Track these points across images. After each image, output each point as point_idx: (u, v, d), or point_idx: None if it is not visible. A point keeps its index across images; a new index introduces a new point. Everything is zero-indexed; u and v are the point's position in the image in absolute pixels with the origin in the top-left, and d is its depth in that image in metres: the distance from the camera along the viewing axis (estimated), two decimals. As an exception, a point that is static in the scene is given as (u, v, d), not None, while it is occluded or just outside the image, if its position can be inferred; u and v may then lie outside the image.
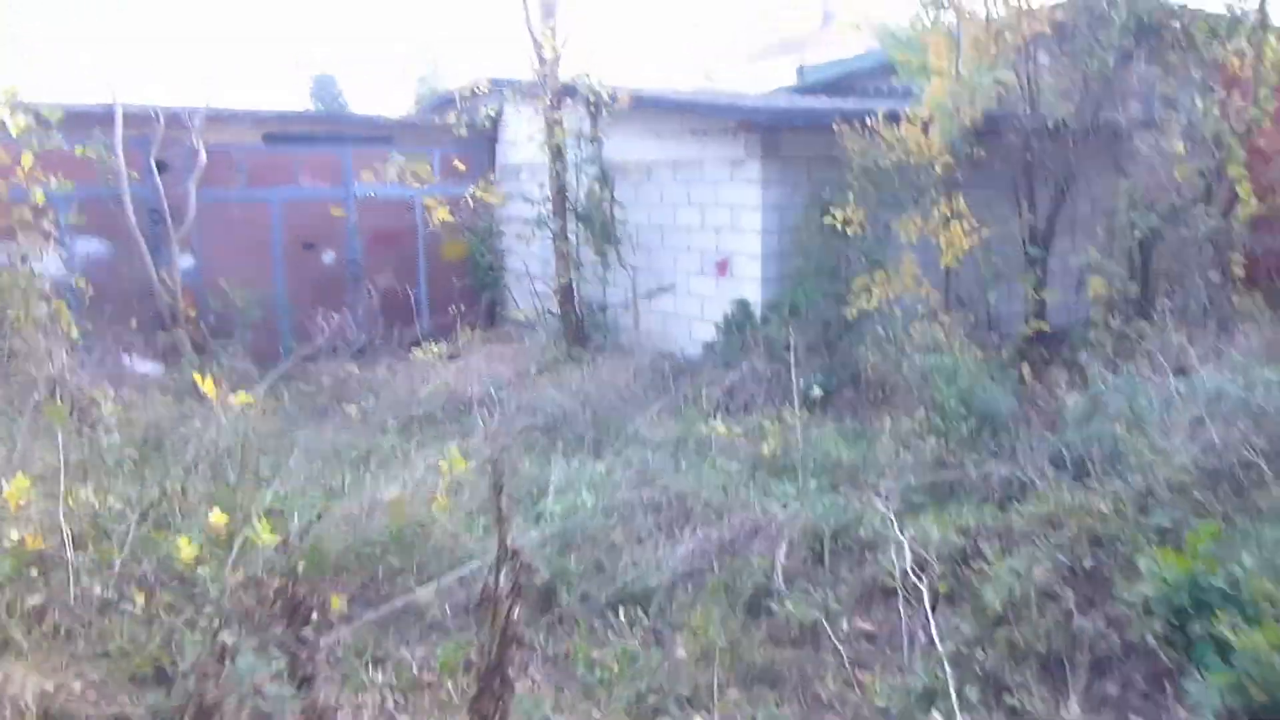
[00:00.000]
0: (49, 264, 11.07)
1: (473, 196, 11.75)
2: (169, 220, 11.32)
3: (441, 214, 11.34)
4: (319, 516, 5.65)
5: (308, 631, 3.18)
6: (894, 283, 9.62)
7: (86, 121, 10.88)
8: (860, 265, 10.11)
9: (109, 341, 10.94)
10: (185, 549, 5.35)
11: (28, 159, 5.41)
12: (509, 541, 2.66)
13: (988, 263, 9.97)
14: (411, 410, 8.73)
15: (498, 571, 2.65)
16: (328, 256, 12.85)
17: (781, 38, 33.48)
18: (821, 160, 10.24)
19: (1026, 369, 8.98)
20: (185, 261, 11.73)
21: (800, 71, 16.60)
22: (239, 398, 6.74)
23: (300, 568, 5.55)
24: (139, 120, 11.09)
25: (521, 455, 7.55)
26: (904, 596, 5.00)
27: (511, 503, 2.95)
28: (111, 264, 11.36)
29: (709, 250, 11.00)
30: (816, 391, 8.19)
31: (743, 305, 10.44)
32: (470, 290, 13.39)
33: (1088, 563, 4.90)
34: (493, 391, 8.99)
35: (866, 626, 5.16)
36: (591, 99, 11.19)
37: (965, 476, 6.67)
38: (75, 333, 6.33)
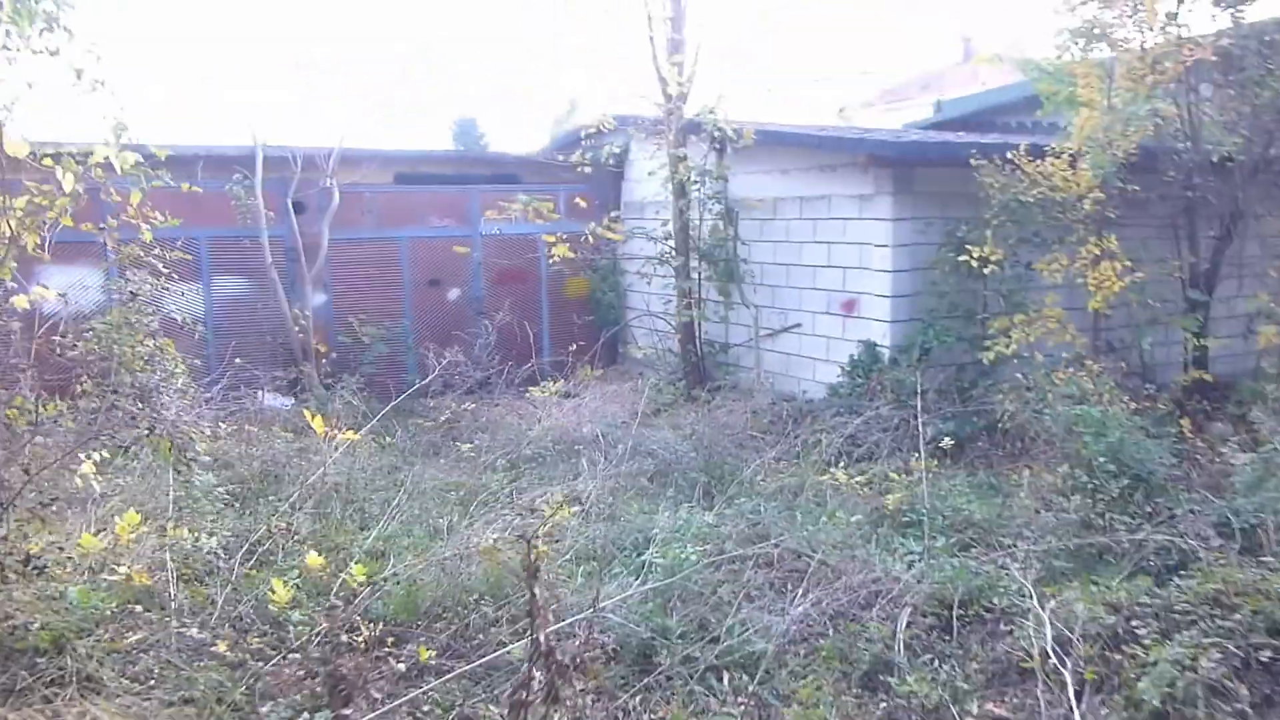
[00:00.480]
0: (189, 301, 11.51)
1: (592, 233, 11.59)
2: (303, 259, 11.53)
3: (560, 250, 11.21)
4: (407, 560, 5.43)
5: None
6: (1035, 326, 8.92)
7: (228, 164, 11.22)
8: (998, 307, 9.44)
9: (245, 377, 11.26)
10: (280, 591, 5.19)
11: (136, 196, 5.38)
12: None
13: (1142, 306, 9.14)
14: (522, 449, 8.49)
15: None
16: (453, 294, 12.89)
17: (919, 74, 32.63)
18: (957, 197, 9.65)
19: (1186, 423, 8.13)
20: (318, 299, 11.93)
21: (937, 106, 15.95)
22: (346, 434, 6.64)
23: (391, 611, 5.34)
24: (277, 163, 11.37)
25: (628, 501, 7.20)
26: (1043, 680, 4.40)
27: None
28: (249, 301, 11.64)
29: (835, 289, 10.49)
30: (947, 441, 7.57)
31: (869, 347, 9.88)
32: (592, 328, 13.21)
33: (1265, 655, 4.19)
34: (602, 433, 8.68)
35: (999, 712, 4.56)
36: (715, 135, 10.90)
37: (1115, 543, 5.97)
38: (181, 369, 6.32)
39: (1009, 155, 9.04)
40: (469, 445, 9.02)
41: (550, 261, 12.22)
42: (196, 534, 5.53)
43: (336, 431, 6.49)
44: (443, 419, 10.01)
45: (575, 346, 12.42)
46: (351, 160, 11.85)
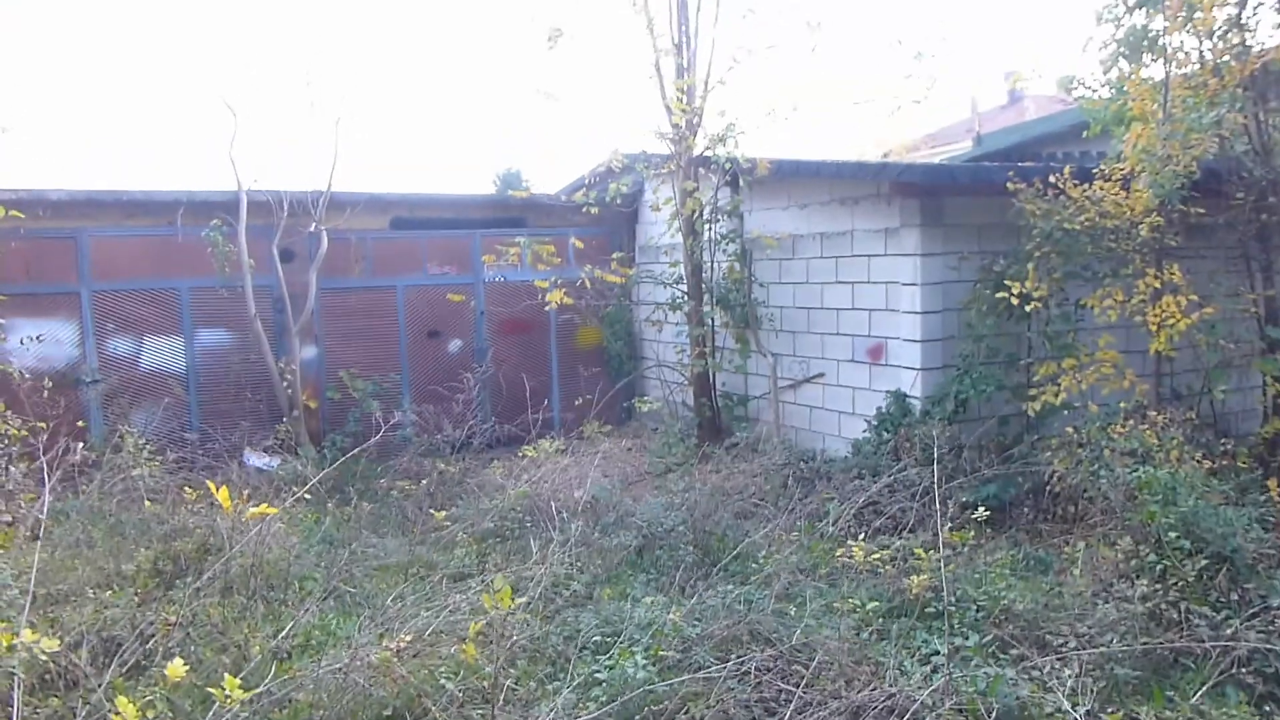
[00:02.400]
0: (168, 355, 10.64)
1: (589, 278, 10.51)
2: (290, 310, 10.61)
3: (556, 297, 10.11)
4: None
5: None
6: (1088, 372, 7.58)
7: (210, 209, 10.39)
8: (1044, 351, 8.12)
9: (228, 435, 10.33)
10: (125, 709, 4.05)
11: None
12: None
13: (1212, 347, 7.75)
14: (491, 519, 7.32)
15: None
16: (454, 345, 11.88)
17: (964, 118, 31.37)
18: (993, 228, 8.41)
19: (1274, 486, 6.70)
20: (307, 351, 10.99)
21: (977, 139, 14.72)
22: (259, 509, 5.54)
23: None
24: (263, 208, 10.51)
25: (604, 582, 6.00)
26: None
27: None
28: (233, 355, 10.73)
29: (861, 334, 9.24)
30: (982, 510, 6.25)
31: (899, 398, 8.60)
32: (603, 379, 12.08)
33: None
34: (593, 498, 7.50)
35: None
36: (728, 167, 9.80)
37: (1195, 644, 4.61)
38: (15, 434, 5.29)
39: (1052, 179, 7.80)
40: (444, 513, 7.89)
41: (558, 310, 11.14)
42: (37, 635, 4.44)
43: (248, 505, 5.39)
44: (426, 482, 8.90)
45: (585, 400, 11.29)
46: (343, 204, 10.93)
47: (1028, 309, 7.70)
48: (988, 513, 6.34)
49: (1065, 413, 7.75)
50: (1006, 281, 7.80)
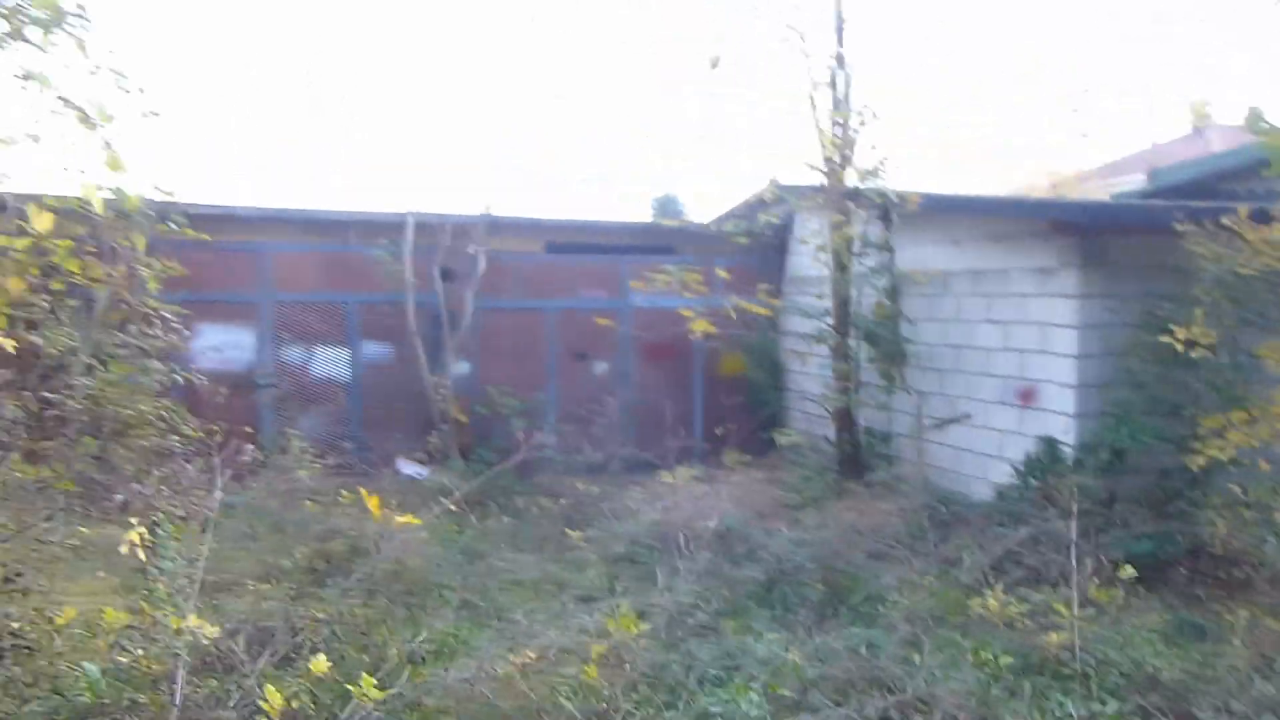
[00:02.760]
0: (335, 365, 11.30)
1: (735, 308, 10.53)
2: (447, 326, 11.11)
3: (701, 325, 10.20)
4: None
5: None
6: (1260, 426, 7.05)
7: (380, 230, 11.01)
8: (1211, 402, 7.62)
9: (381, 442, 10.89)
10: (273, 697, 4.35)
11: (140, 241, 4.81)
12: None
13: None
14: (625, 543, 7.43)
15: None
16: (599, 367, 12.13)
17: (1142, 149, 29.82)
18: (1160, 269, 7.98)
19: None
20: (460, 367, 11.46)
21: (1151, 174, 13.94)
22: (407, 518, 5.83)
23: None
24: (428, 229, 11.08)
25: (728, 615, 6.00)
26: None
27: None
28: (392, 367, 11.31)
29: (1012, 376, 8.92)
30: (1131, 571, 5.92)
31: (1050, 444, 8.25)
32: (745, 409, 12.08)
33: None
34: (726, 528, 7.51)
35: None
36: (878, 202, 9.67)
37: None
38: (193, 432, 5.70)
39: (1225, 220, 7.35)
40: (581, 534, 8.06)
41: (703, 337, 11.23)
42: (202, 621, 4.80)
43: (396, 513, 5.69)
44: (564, 501, 9.12)
45: (726, 428, 11.32)
46: (502, 228, 11.41)
47: (1194, 357, 7.27)
48: (1139, 572, 6.01)
49: (1232, 470, 7.25)
50: (1172, 327, 7.39)
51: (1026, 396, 8.74)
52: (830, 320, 10.37)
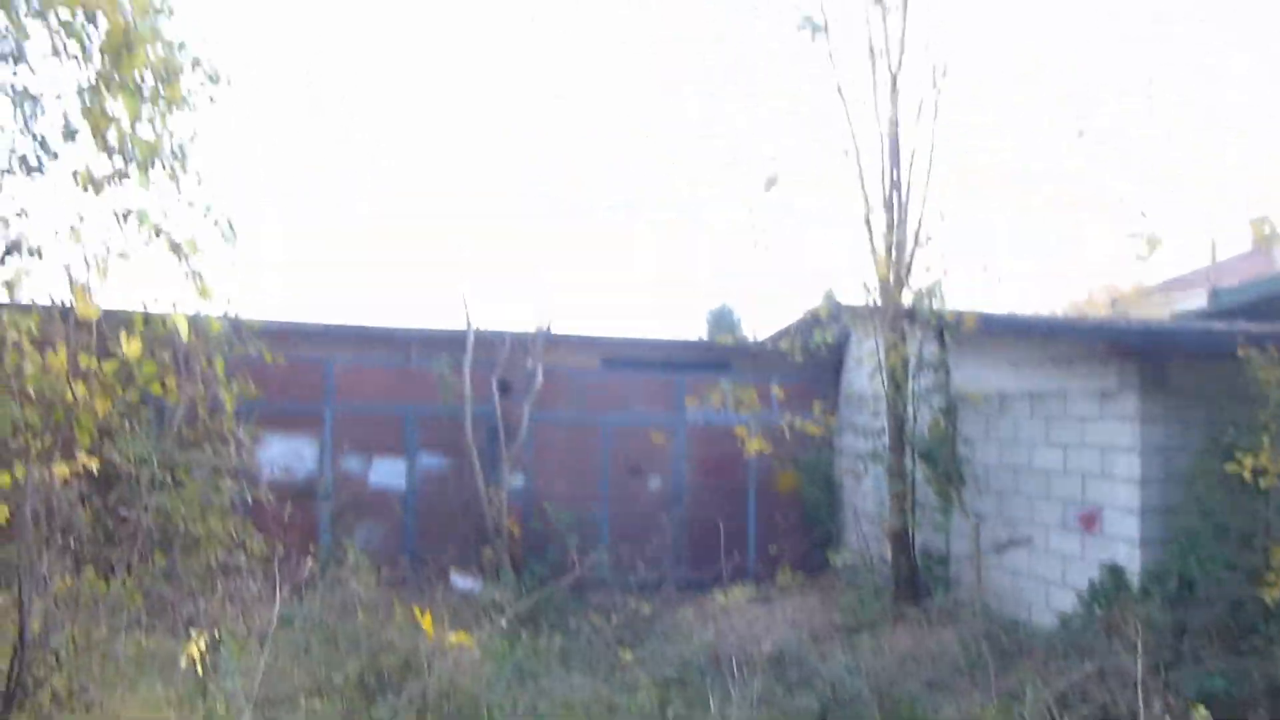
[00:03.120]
0: (392, 476, 11.48)
1: (789, 426, 10.54)
2: (503, 439, 11.27)
3: (756, 444, 10.23)
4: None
5: None
6: (1337, 559, 6.84)
7: (440, 345, 11.32)
8: (1283, 531, 7.41)
9: (435, 554, 10.95)
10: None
11: (220, 364, 5.04)
12: None
13: None
14: (678, 665, 7.33)
15: None
16: (654, 483, 12.15)
17: (1203, 264, 29.53)
18: (1223, 394, 7.85)
19: None
20: (515, 480, 11.56)
21: (1213, 294, 13.84)
22: (459, 637, 5.86)
23: None
24: (486, 344, 11.36)
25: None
26: None
27: None
28: (447, 478, 11.45)
29: (1073, 499, 8.77)
30: (1204, 713, 5.68)
31: (1114, 572, 8.04)
32: (800, 527, 11.96)
33: None
34: (779, 652, 7.39)
35: None
36: (933, 322, 9.73)
37: None
38: (259, 549, 5.82)
39: (1289, 345, 7.27)
40: (633, 654, 7.97)
41: (758, 454, 11.23)
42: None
43: (448, 630, 5.72)
44: (616, 619, 9.04)
45: (780, 546, 11.21)
46: (559, 343, 11.67)
47: (1262, 484, 7.10)
48: (1213, 712, 5.76)
49: (1309, 603, 6.99)
50: (1238, 454, 7.25)
51: (1089, 521, 8.56)
52: (886, 439, 10.32)
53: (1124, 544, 8.11)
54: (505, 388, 11.54)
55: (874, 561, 10.69)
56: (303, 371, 11.21)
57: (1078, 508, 8.69)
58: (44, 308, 4.60)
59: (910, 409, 10.21)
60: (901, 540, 10.06)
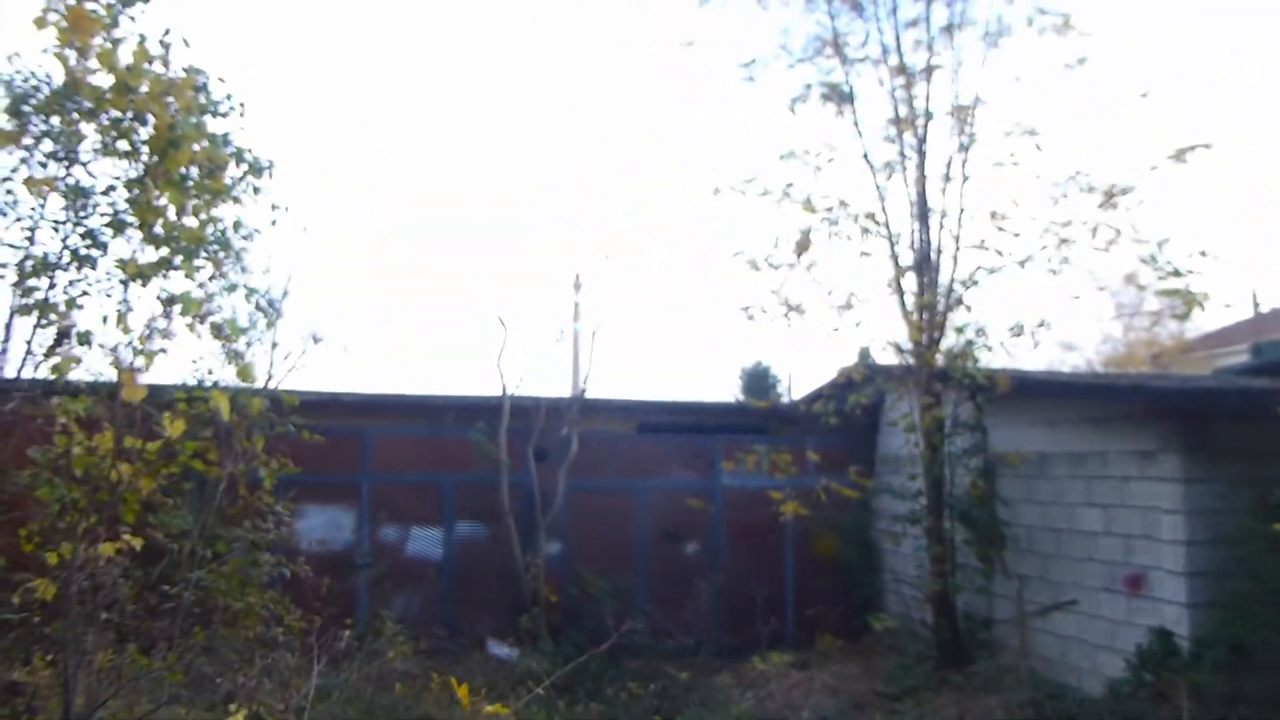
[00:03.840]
0: (429, 545, 11.56)
1: (824, 490, 10.50)
2: (539, 506, 11.33)
3: (792, 507, 10.19)
4: None
5: None
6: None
7: (476, 413, 11.46)
8: (1337, 596, 7.24)
9: (472, 622, 10.96)
10: None
11: (259, 442, 5.19)
12: None
13: None
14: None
15: None
16: (690, 548, 12.12)
17: (1247, 316, 29.14)
18: (1270, 454, 7.75)
19: None
20: (551, 546, 11.59)
21: (1255, 349, 13.67)
22: (495, 709, 5.87)
23: None
24: (522, 411, 11.47)
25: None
26: None
27: None
28: (484, 546, 11.51)
29: (1116, 562, 8.63)
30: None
31: (1163, 637, 7.87)
32: (838, 591, 11.84)
33: None
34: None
35: None
36: (967, 383, 9.71)
37: None
38: (296, 624, 5.89)
39: (1332, 403, 7.19)
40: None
41: (794, 518, 11.18)
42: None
43: (485, 701, 5.74)
44: (654, 687, 8.99)
45: (819, 611, 11.10)
46: (595, 409, 11.77)
47: (1312, 547, 6.96)
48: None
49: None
50: (1285, 515, 7.12)
51: (1134, 584, 8.41)
52: (923, 501, 10.25)
53: (1172, 607, 7.95)
54: (541, 455, 11.63)
55: (915, 625, 10.54)
56: (340, 442, 11.36)
57: (1122, 570, 8.55)
58: (91, 390, 4.79)
59: (947, 471, 10.15)
60: (943, 604, 9.92)
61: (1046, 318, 9.88)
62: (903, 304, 10.23)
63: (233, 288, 4.58)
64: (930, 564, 10.02)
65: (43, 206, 4.51)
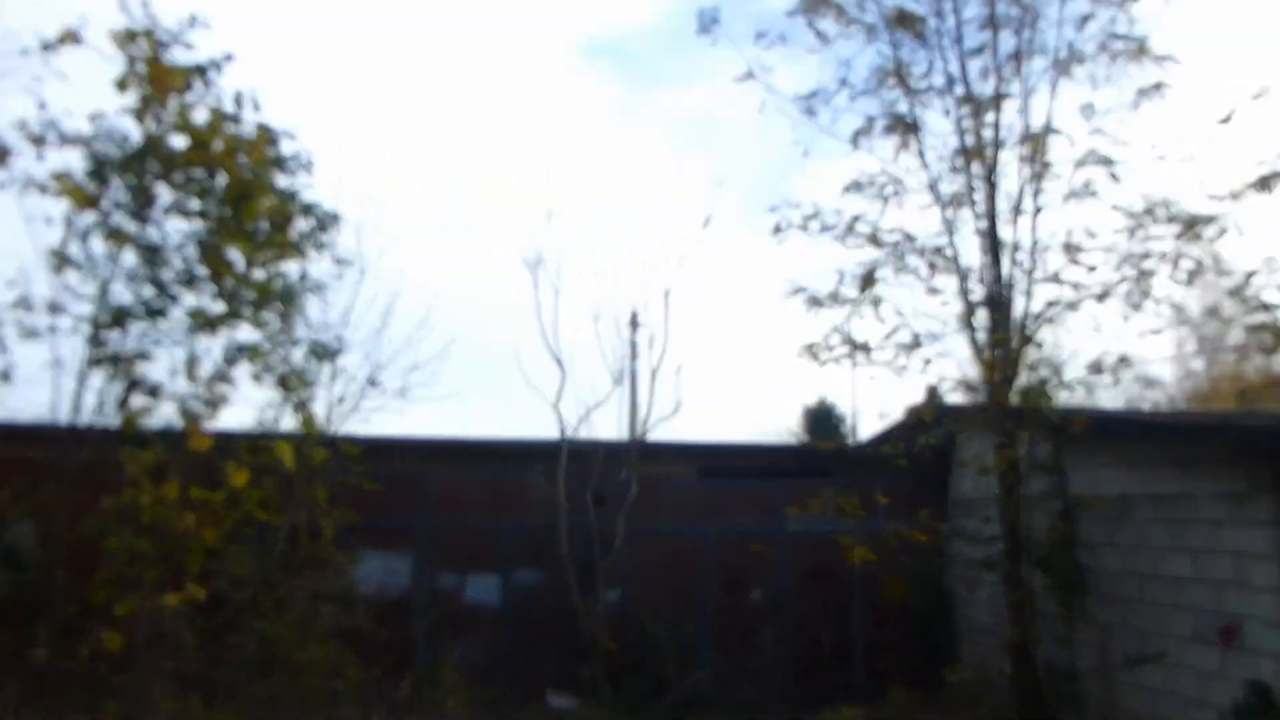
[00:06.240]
0: (487, 591, 11.68)
1: (894, 535, 10.40)
2: (598, 551, 11.40)
3: (861, 553, 10.11)
4: None
5: None
6: None
7: (533, 456, 11.60)
8: None
9: (531, 670, 11.04)
10: None
11: (323, 493, 5.35)
12: None
13: None
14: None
15: None
16: (754, 595, 12.07)
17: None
18: (1368, 495, 7.54)
19: None
20: (611, 593, 11.63)
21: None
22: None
23: None
24: (580, 455, 11.58)
25: None
26: None
27: None
28: (542, 593, 11.60)
29: (1206, 609, 8.41)
30: None
31: (1260, 691, 7.63)
32: (910, 639, 11.68)
33: None
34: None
35: None
36: (1042, 422, 9.58)
37: None
38: (356, 676, 6.00)
39: None
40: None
41: (863, 563, 11.08)
42: None
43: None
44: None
45: (890, 662, 10.96)
46: (654, 453, 11.85)
47: None
48: None
49: None
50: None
51: (1227, 635, 8.18)
52: (999, 546, 10.09)
53: (1269, 660, 7.71)
54: (600, 499, 11.71)
55: (992, 676, 10.35)
56: (398, 486, 11.58)
57: (1212, 618, 8.33)
58: (159, 439, 5.00)
59: (1024, 514, 9.99)
60: (1022, 654, 9.72)
61: (1126, 353, 9.74)
62: (974, 341, 10.15)
63: (297, 341, 4.76)
64: (1008, 612, 9.83)
65: (115, 261, 4.75)
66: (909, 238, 10.44)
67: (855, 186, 10.89)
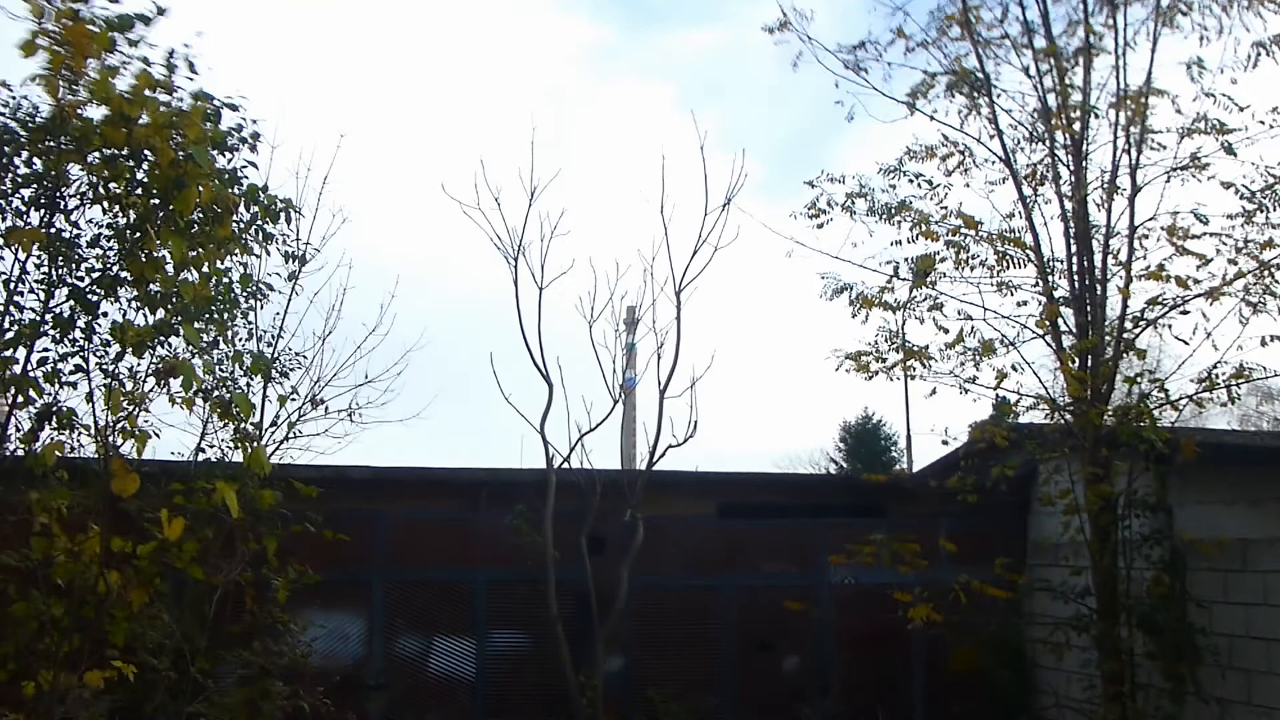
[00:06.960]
0: (457, 659, 11.72)
1: (962, 589, 10.46)
2: (596, 610, 11.43)
3: (921, 612, 10.16)
4: None
5: None
6: None
7: (515, 492, 11.61)
8: None
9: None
10: None
11: (271, 544, 5.40)
12: None
13: None
14: None
15: None
16: (789, 663, 12.16)
17: None
18: None
19: None
20: (613, 662, 11.69)
21: None
22: None
23: None
24: (572, 489, 11.60)
25: None
26: None
27: None
28: (527, 661, 11.64)
29: (1349, 682, 8.51)
30: None
31: None
32: (983, 717, 11.75)
33: None
34: None
35: None
36: (1142, 449, 9.66)
37: None
38: None
39: None
40: None
41: (925, 624, 11.15)
42: None
43: None
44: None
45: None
46: (665, 486, 11.89)
47: None
48: None
49: None
50: None
51: (1374, 712, 8.29)
52: (1092, 602, 10.17)
53: None
54: (598, 545, 11.74)
55: (1089, 764, 10.43)
56: (346, 529, 11.49)
57: (1358, 694, 8.43)
58: (75, 479, 5.04)
59: (1121, 562, 10.07)
60: (1121, 735, 9.82)
61: (1244, 363, 9.80)
62: (1058, 347, 10.23)
63: (239, 355, 4.80)
64: (1103, 684, 9.94)
65: (24, 263, 4.78)
66: (976, 223, 10.52)
67: (911, 156, 11.00)
